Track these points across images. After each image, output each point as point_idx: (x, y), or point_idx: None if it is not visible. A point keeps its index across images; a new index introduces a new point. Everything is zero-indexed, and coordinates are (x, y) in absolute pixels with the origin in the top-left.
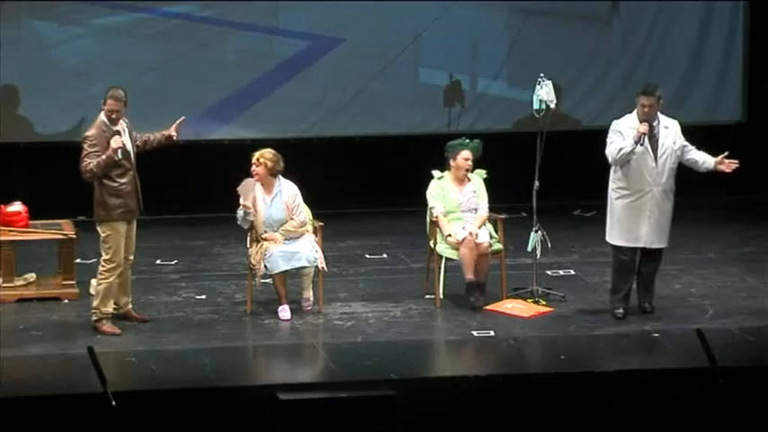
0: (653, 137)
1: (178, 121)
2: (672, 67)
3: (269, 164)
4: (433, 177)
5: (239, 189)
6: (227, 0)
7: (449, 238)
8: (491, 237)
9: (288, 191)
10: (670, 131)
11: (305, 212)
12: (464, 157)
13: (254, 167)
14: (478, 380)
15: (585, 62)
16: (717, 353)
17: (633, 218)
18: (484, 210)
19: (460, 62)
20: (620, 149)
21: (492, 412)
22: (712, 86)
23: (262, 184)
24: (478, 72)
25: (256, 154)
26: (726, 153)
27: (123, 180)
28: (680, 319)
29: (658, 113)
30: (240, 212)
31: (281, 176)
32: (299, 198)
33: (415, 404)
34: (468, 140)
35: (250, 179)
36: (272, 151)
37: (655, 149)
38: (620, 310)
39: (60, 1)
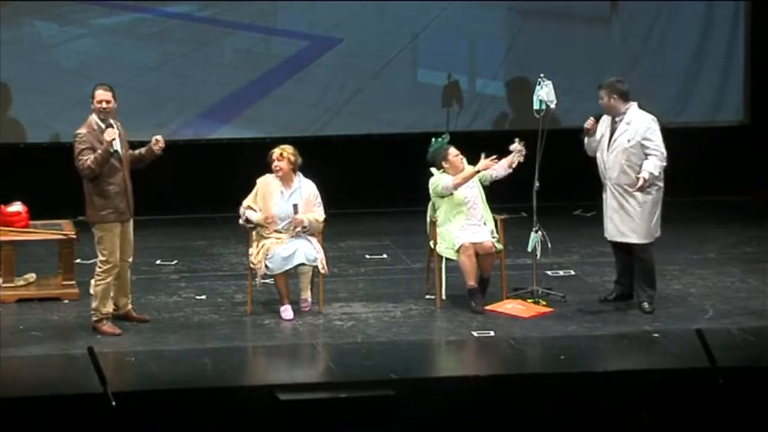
0: (613, 131)
1: (156, 141)
2: (672, 67)
3: (291, 158)
4: (432, 175)
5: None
6: (226, 0)
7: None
8: (493, 236)
9: (308, 188)
10: (630, 128)
11: (323, 212)
12: (454, 153)
13: (276, 162)
14: (478, 380)
15: (584, 63)
16: (717, 353)
17: (604, 209)
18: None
19: (458, 62)
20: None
21: (492, 412)
22: (714, 87)
23: (282, 179)
24: (476, 72)
25: (277, 150)
26: (639, 185)
27: (112, 180)
28: (680, 319)
29: (628, 108)
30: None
31: (300, 173)
32: (319, 198)
33: (416, 404)
34: (439, 139)
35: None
36: (292, 147)
37: (610, 144)
38: (603, 296)
39: (60, 1)
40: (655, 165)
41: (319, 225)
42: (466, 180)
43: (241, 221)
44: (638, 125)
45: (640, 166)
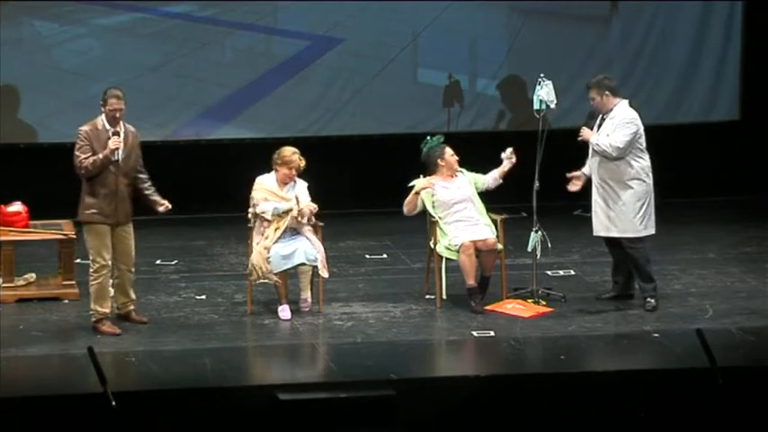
0: (600, 127)
1: (163, 205)
2: (669, 66)
3: (302, 166)
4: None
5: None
6: (226, 0)
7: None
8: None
9: (301, 185)
10: (612, 122)
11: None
12: (450, 153)
13: (293, 171)
14: (478, 380)
15: (584, 62)
16: (717, 353)
17: (592, 206)
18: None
19: (459, 62)
20: None
21: (492, 412)
22: (709, 85)
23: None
24: (477, 72)
25: (295, 156)
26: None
27: (103, 183)
28: (680, 319)
29: (617, 104)
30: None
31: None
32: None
33: (416, 404)
34: (432, 139)
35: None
36: (297, 151)
37: None
38: (600, 294)
39: (60, 1)
40: (604, 142)
41: (314, 210)
42: (412, 204)
43: (268, 215)
44: (617, 120)
45: (621, 159)
